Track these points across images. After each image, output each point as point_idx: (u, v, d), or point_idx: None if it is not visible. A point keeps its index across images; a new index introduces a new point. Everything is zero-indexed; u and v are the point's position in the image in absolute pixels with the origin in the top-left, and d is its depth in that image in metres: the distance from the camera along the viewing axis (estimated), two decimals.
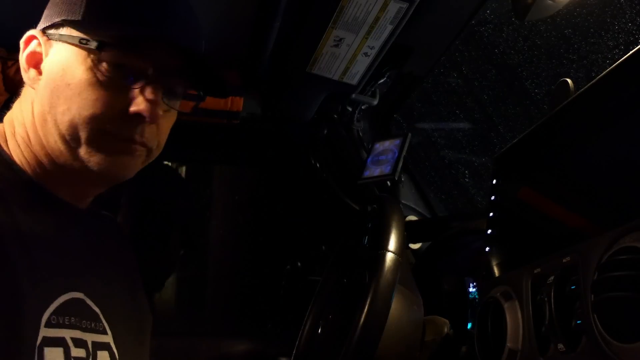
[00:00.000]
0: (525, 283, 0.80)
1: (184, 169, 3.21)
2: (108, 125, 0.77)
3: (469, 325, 1.13)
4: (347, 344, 0.89)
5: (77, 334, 0.77)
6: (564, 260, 0.72)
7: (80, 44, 0.77)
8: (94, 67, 0.76)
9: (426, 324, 1.06)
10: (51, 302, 0.74)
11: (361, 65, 1.42)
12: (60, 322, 0.74)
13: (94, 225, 0.92)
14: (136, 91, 0.78)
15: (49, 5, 0.84)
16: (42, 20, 0.84)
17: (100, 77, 0.76)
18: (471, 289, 1.19)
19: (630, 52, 0.69)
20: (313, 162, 1.79)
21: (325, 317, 1.22)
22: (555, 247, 0.75)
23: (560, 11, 1.15)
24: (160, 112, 0.79)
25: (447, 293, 1.27)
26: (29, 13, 1.10)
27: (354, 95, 1.58)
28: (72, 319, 0.76)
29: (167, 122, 0.85)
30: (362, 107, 1.67)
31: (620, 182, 0.69)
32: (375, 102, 1.63)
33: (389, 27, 1.31)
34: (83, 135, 0.77)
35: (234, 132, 1.72)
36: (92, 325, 0.81)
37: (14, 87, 1.32)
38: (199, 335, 1.66)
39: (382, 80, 1.58)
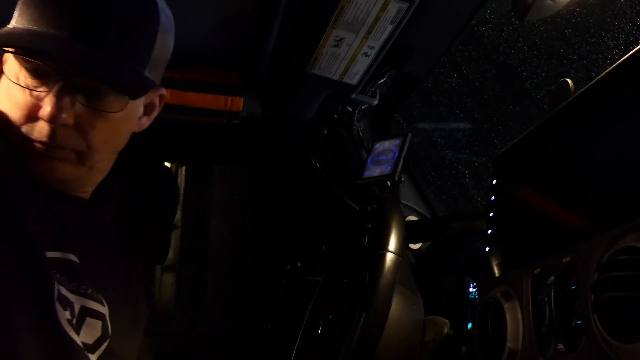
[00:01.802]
0: (526, 283, 0.80)
1: (184, 169, 3.22)
2: (24, 128, 0.80)
3: (469, 326, 1.13)
4: (347, 344, 0.89)
5: (62, 290, 0.75)
6: (564, 260, 0.72)
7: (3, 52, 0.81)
8: (16, 74, 0.80)
9: (426, 324, 1.06)
10: (40, 255, 0.73)
11: (361, 65, 1.42)
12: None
13: (96, 214, 0.93)
14: (42, 94, 0.79)
15: None
16: None
17: (21, 83, 0.79)
18: (471, 289, 1.19)
19: (631, 52, 0.69)
20: (313, 162, 1.79)
21: (325, 317, 1.22)
22: (555, 247, 0.75)
23: (560, 11, 1.15)
24: (65, 115, 0.79)
25: (447, 293, 1.27)
26: None
27: (354, 95, 1.58)
28: (58, 275, 0.75)
29: (96, 122, 0.83)
30: (362, 107, 1.67)
31: (620, 182, 0.69)
32: (375, 102, 1.63)
33: (389, 27, 1.31)
34: (11, 138, 0.80)
35: (234, 132, 1.72)
36: (88, 291, 0.80)
37: None
38: (199, 335, 1.66)
39: (382, 80, 1.58)
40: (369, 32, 1.32)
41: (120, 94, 0.83)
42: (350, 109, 1.68)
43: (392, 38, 1.34)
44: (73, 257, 0.79)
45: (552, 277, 0.73)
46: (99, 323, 0.82)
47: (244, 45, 1.48)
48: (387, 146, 1.52)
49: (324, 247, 2.05)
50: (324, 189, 1.79)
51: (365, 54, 1.39)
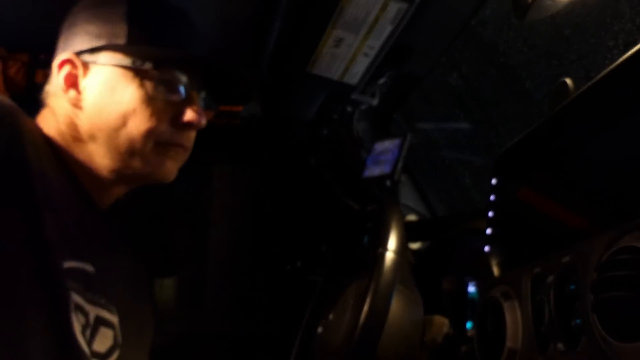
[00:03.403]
0: (525, 283, 0.80)
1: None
2: (164, 136, 0.87)
3: (469, 325, 1.13)
4: (347, 344, 0.90)
5: (79, 300, 0.77)
6: (563, 260, 0.72)
7: (129, 65, 0.86)
8: (144, 86, 0.86)
9: (426, 324, 1.06)
10: (59, 265, 0.75)
11: (361, 65, 1.42)
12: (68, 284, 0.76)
13: (111, 225, 0.96)
14: (183, 103, 0.88)
15: (77, 29, 0.89)
16: (69, 42, 0.90)
17: (151, 94, 0.86)
18: (471, 289, 1.19)
19: (630, 52, 0.69)
20: (313, 162, 1.79)
21: (325, 317, 1.22)
22: (555, 247, 0.75)
23: (560, 11, 1.15)
24: (203, 121, 0.89)
25: (447, 293, 1.27)
26: (30, 13, 1.10)
27: (354, 95, 1.58)
28: (76, 285, 0.77)
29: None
30: (362, 107, 1.67)
31: (620, 182, 0.69)
32: (375, 102, 1.63)
33: (389, 27, 1.31)
34: (140, 146, 0.86)
35: (234, 132, 1.72)
36: (101, 300, 0.82)
37: (14, 86, 1.32)
38: (199, 335, 1.66)
39: (382, 80, 1.58)
40: (369, 32, 1.33)
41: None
42: (350, 109, 1.68)
43: (392, 38, 1.34)
44: (89, 267, 0.82)
45: (552, 277, 0.73)
46: (111, 332, 0.84)
47: (244, 45, 1.48)
48: (387, 146, 1.52)
49: (324, 247, 2.04)
50: (324, 189, 1.79)
51: (365, 54, 1.39)
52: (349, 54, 1.38)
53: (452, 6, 1.35)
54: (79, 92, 0.88)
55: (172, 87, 0.88)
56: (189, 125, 0.89)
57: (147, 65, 0.86)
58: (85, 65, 0.88)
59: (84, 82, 0.88)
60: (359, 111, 1.68)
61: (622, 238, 0.62)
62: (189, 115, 0.88)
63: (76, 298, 0.76)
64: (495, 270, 0.94)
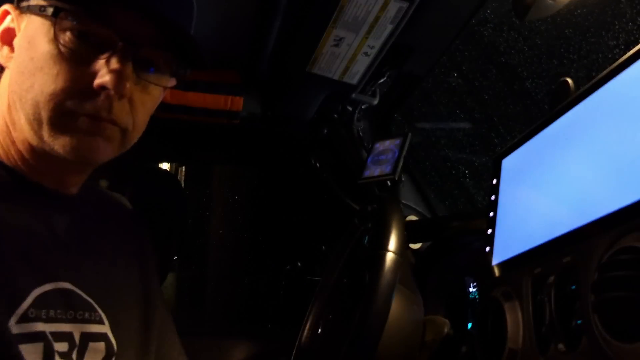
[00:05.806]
0: (526, 283, 0.80)
1: (183, 169, 3.22)
2: (70, 102, 0.70)
3: (469, 325, 1.13)
4: (348, 344, 0.89)
5: (59, 326, 0.72)
6: (564, 260, 0.72)
7: (40, 12, 0.70)
8: (56, 38, 0.69)
9: (426, 324, 1.06)
10: (27, 295, 0.69)
11: (361, 65, 1.42)
12: (39, 315, 0.69)
13: (86, 210, 0.86)
14: (101, 62, 0.70)
15: None
16: None
17: (63, 49, 0.69)
18: (471, 289, 1.19)
19: (631, 52, 0.69)
20: (313, 162, 1.79)
21: (325, 317, 1.21)
22: (555, 247, 0.75)
23: (561, 11, 1.15)
24: (128, 86, 0.71)
25: (447, 293, 1.27)
26: None
27: (354, 95, 1.58)
28: (52, 312, 0.72)
29: (146, 99, 0.77)
30: (362, 107, 1.67)
31: (620, 181, 0.69)
32: (375, 102, 1.62)
33: (389, 27, 1.31)
34: (45, 114, 0.70)
35: (234, 132, 1.72)
36: (85, 315, 0.77)
37: None
38: (199, 335, 1.66)
39: (382, 80, 1.58)
40: (369, 32, 1.32)
41: (170, 71, 0.77)
42: (350, 109, 1.68)
43: (392, 38, 1.34)
44: (67, 285, 0.75)
45: (553, 277, 0.73)
46: (101, 344, 0.79)
47: (244, 45, 1.48)
48: (387, 146, 1.52)
49: (324, 247, 2.04)
50: (324, 189, 1.79)
51: (365, 54, 1.39)
52: (349, 54, 1.38)
53: (452, 6, 1.35)
54: (12, 49, 0.74)
55: (89, 42, 0.70)
56: (103, 90, 0.70)
57: (51, 11, 0.69)
58: (20, 17, 0.73)
59: (17, 37, 0.73)
60: (359, 111, 1.68)
61: (623, 238, 0.62)
62: (100, 77, 0.69)
63: (56, 327, 0.71)
64: (496, 271, 0.93)
